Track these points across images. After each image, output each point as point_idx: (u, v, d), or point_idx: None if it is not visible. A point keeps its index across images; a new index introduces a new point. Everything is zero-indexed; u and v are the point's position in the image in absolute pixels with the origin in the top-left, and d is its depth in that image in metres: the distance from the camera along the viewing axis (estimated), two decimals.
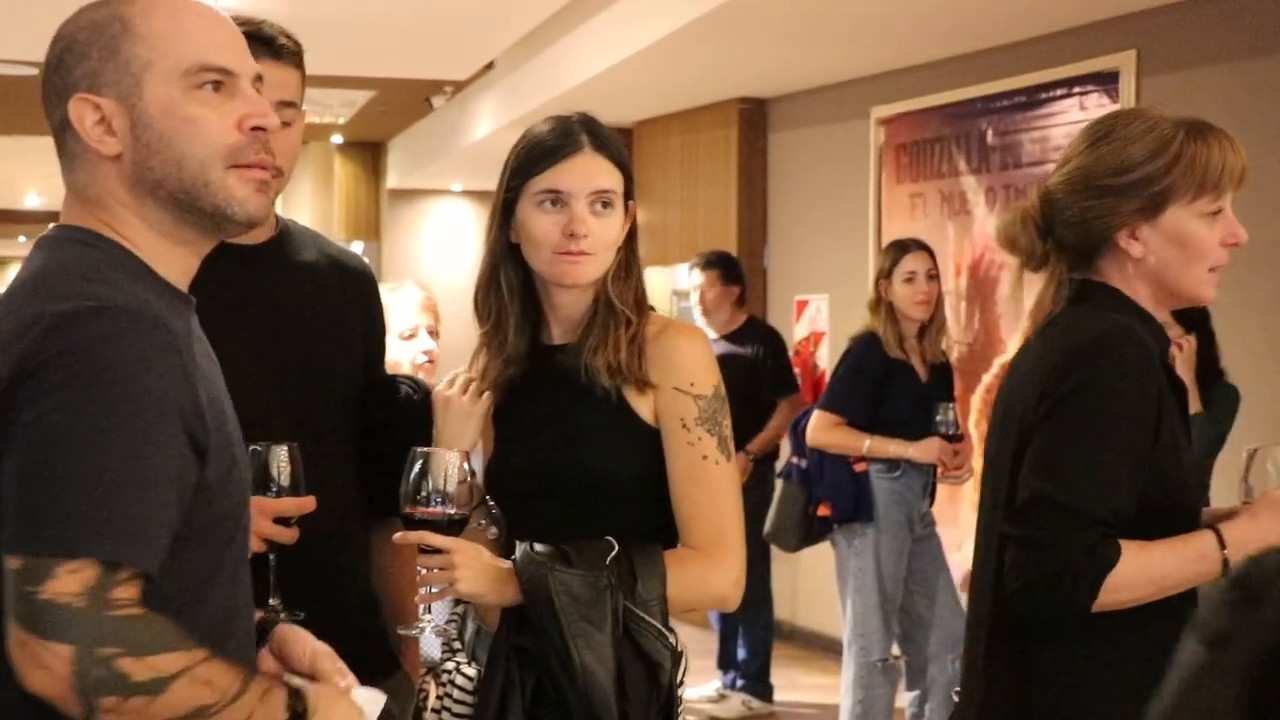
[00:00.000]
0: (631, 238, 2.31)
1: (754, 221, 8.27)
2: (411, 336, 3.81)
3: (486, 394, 2.31)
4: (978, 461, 2.69)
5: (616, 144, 2.29)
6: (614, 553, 2.12)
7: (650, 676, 2.10)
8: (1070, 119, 6.09)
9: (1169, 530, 2.10)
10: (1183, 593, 2.09)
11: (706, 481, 2.20)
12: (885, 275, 5.08)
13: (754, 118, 8.26)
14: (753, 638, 6.58)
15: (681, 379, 2.21)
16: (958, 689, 2.50)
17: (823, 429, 5.07)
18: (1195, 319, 4.77)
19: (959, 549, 5.66)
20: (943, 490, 5.26)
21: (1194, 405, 4.65)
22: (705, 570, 2.18)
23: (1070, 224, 2.21)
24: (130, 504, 1.42)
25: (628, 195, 2.29)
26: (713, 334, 6.59)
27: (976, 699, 2.24)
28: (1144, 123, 2.19)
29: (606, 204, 2.24)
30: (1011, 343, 6.11)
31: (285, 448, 2.13)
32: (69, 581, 1.39)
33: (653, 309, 2.32)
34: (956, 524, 6.03)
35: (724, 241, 8.16)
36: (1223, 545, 2.07)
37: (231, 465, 1.59)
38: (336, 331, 2.42)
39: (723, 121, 8.34)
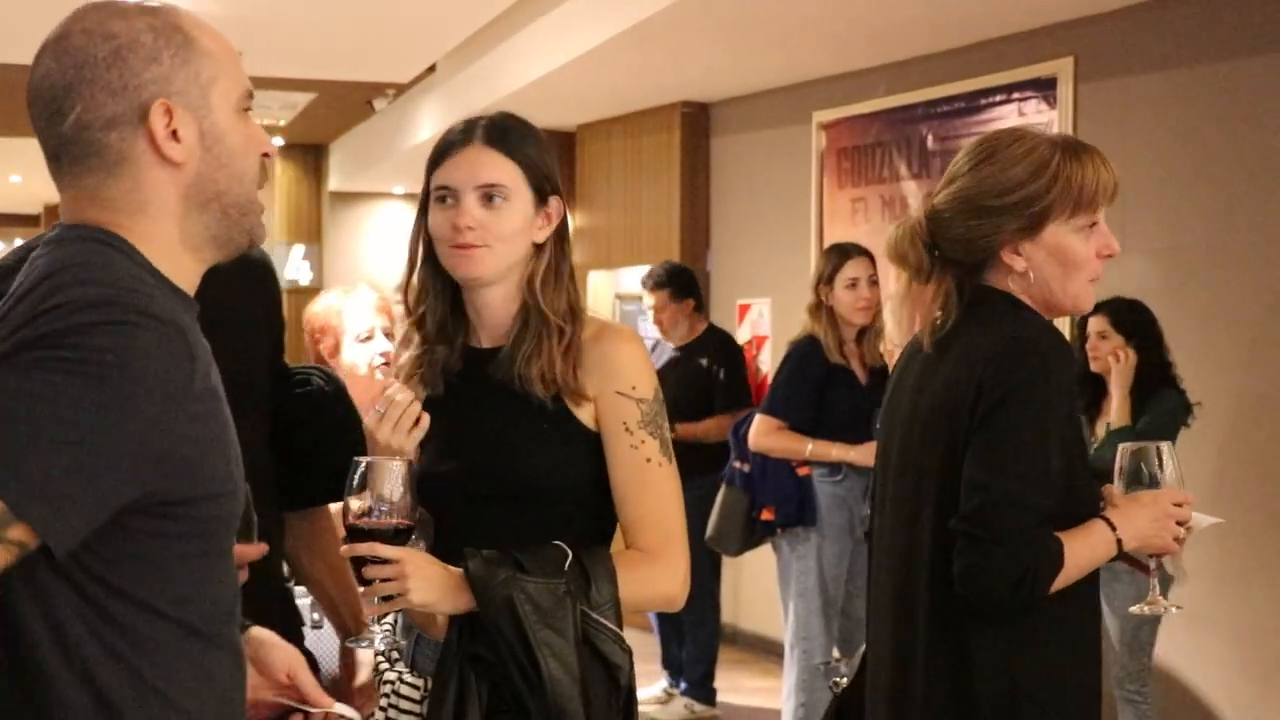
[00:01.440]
0: (561, 241, 2.28)
1: (697, 225, 8.29)
2: (368, 339, 3.80)
3: (419, 431, 2.25)
4: None
5: (521, 139, 2.25)
6: (569, 559, 2.12)
7: (610, 679, 2.11)
8: (1009, 124, 6.13)
9: (1080, 514, 2.24)
10: (1087, 575, 2.25)
11: (651, 484, 2.20)
12: (826, 281, 5.08)
13: (696, 122, 8.27)
14: (699, 643, 6.59)
15: (623, 383, 2.21)
16: (835, 680, 2.56)
17: (765, 433, 5.08)
18: (1141, 325, 4.79)
19: None
20: None
21: (1122, 418, 4.67)
22: (653, 571, 2.19)
23: (957, 241, 2.32)
24: (68, 478, 1.42)
25: (544, 193, 2.25)
26: (671, 345, 6.61)
27: (916, 693, 2.29)
28: (1023, 144, 2.30)
29: (495, 196, 2.21)
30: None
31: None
32: (20, 534, 1.42)
33: (586, 311, 2.30)
34: None
35: (667, 245, 8.16)
36: (1113, 529, 2.23)
37: (229, 465, 1.58)
38: (241, 326, 2.39)
39: (665, 125, 8.35)
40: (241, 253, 1.69)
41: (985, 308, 2.30)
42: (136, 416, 1.43)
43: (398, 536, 2.08)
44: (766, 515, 5.16)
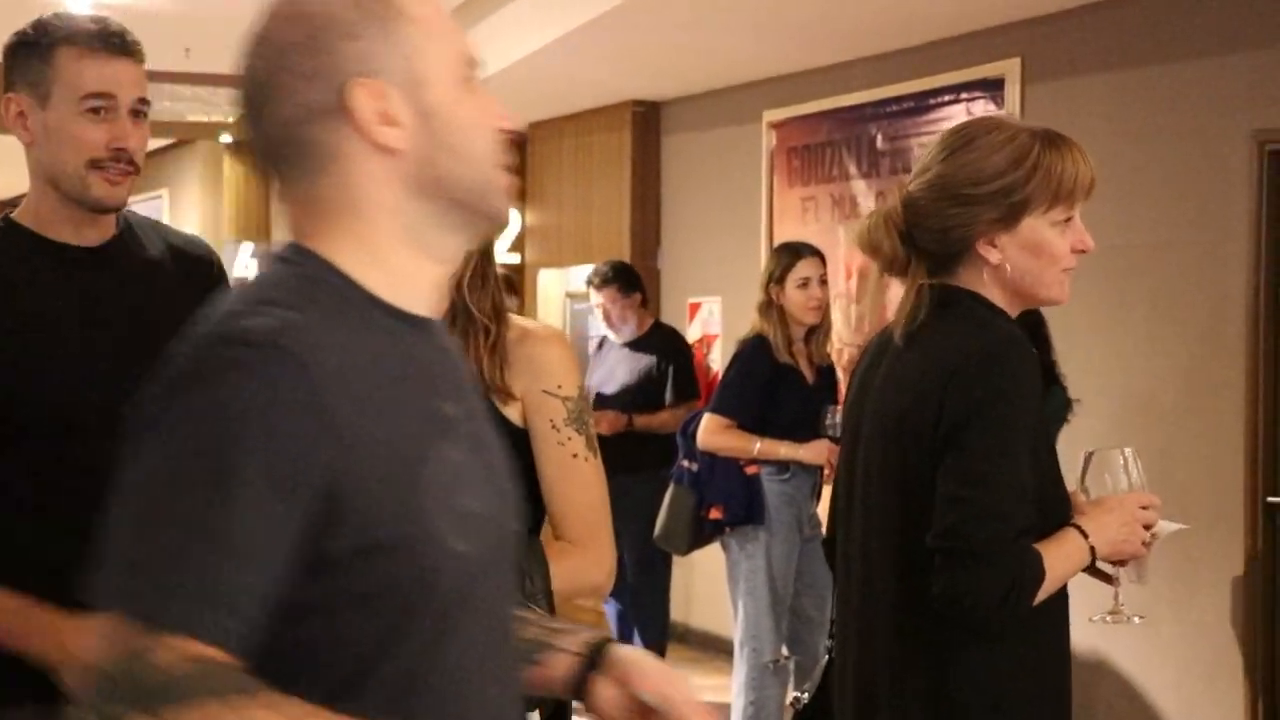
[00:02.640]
0: (487, 245, 2.34)
1: (647, 224, 8.29)
2: None
3: None
4: None
5: None
6: None
7: None
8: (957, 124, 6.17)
9: (1052, 525, 2.17)
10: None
11: (578, 479, 2.28)
12: (777, 280, 5.09)
13: (647, 120, 8.27)
14: (647, 637, 6.60)
15: (549, 382, 2.28)
16: (795, 697, 2.52)
17: (714, 432, 5.09)
18: (1029, 325, 4.82)
19: None
20: (827, 491, 5.30)
21: None
22: (582, 563, 2.27)
23: (931, 231, 2.25)
24: (199, 568, 1.21)
25: None
26: (618, 342, 6.62)
27: (883, 708, 2.25)
28: (1002, 133, 2.23)
29: None
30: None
31: None
32: (113, 644, 1.20)
33: (509, 313, 2.36)
34: None
35: (617, 244, 8.16)
36: (1086, 537, 2.18)
37: (407, 527, 1.31)
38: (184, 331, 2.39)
39: (616, 124, 8.35)
40: (489, 236, 1.50)
41: (955, 311, 2.23)
42: (255, 464, 1.22)
43: None
44: (715, 514, 5.17)
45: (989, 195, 2.20)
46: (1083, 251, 2.26)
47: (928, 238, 2.26)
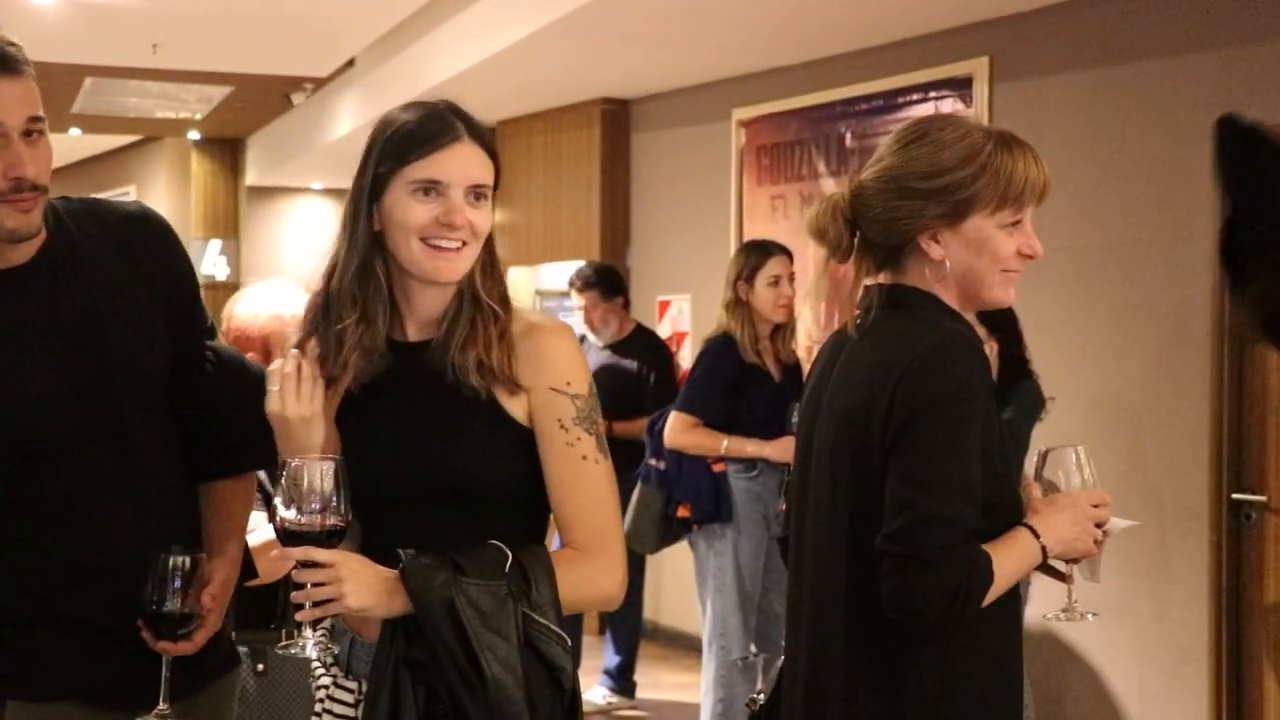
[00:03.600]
0: (490, 232, 2.21)
1: (617, 222, 8.29)
2: None
3: (319, 390, 2.16)
4: None
5: (487, 134, 2.21)
6: (509, 560, 2.05)
7: (553, 681, 2.05)
8: None
9: (1004, 524, 2.17)
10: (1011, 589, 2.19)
11: (587, 482, 2.15)
12: (746, 278, 5.09)
13: (616, 118, 8.28)
14: (619, 636, 6.60)
15: (557, 379, 2.15)
16: (751, 698, 2.51)
17: (681, 430, 5.09)
18: (1001, 319, 4.84)
19: None
20: None
21: None
22: (591, 570, 2.14)
23: (876, 221, 2.24)
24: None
25: (494, 188, 2.20)
26: (599, 344, 6.60)
27: (833, 705, 2.23)
28: (956, 130, 2.23)
29: (481, 196, 2.16)
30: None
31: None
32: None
33: (515, 305, 2.23)
34: None
35: (587, 242, 8.16)
36: (1037, 536, 2.17)
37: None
38: (134, 328, 2.31)
39: (585, 122, 8.35)
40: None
41: (906, 309, 2.23)
42: None
43: (330, 539, 2.00)
44: (682, 512, 5.17)
45: (936, 190, 2.19)
46: (1030, 256, 2.25)
47: (873, 228, 2.25)
